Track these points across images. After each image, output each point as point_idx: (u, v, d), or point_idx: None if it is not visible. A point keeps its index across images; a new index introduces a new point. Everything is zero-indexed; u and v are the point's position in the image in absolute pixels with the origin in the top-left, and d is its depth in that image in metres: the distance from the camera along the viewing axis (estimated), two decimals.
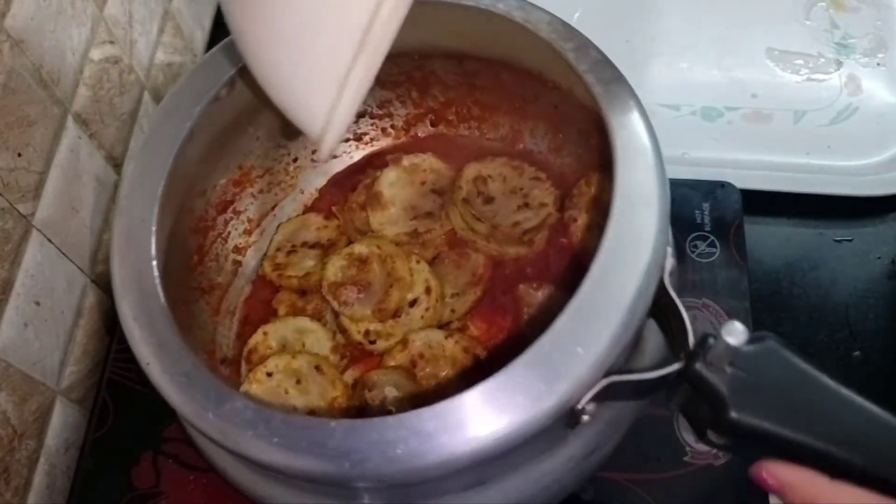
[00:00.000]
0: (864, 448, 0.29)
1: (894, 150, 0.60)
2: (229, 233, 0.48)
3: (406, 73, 0.49)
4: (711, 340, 0.30)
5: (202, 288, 0.46)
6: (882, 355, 0.52)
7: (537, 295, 0.44)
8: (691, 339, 0.31)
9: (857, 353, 0.52)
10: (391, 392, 0.40)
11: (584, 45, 0.38)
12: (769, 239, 0.56)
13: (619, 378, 0.30)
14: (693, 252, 0.52)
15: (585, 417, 0.31)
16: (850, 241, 0.56)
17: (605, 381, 0.30)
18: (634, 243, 0.31)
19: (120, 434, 0.48)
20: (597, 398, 0.30)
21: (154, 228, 0.36)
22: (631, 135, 0.35)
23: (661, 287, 0.32)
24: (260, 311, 0.47)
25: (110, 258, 0.37)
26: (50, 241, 0.45)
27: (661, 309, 0.32)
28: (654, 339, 0.37)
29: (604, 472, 0.46)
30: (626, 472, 0.46)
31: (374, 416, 0.30)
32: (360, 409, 0.41)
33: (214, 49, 0.42)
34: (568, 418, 0.30)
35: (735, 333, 0.28)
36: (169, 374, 0.33)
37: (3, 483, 0.42)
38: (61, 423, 0.47)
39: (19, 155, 0.41)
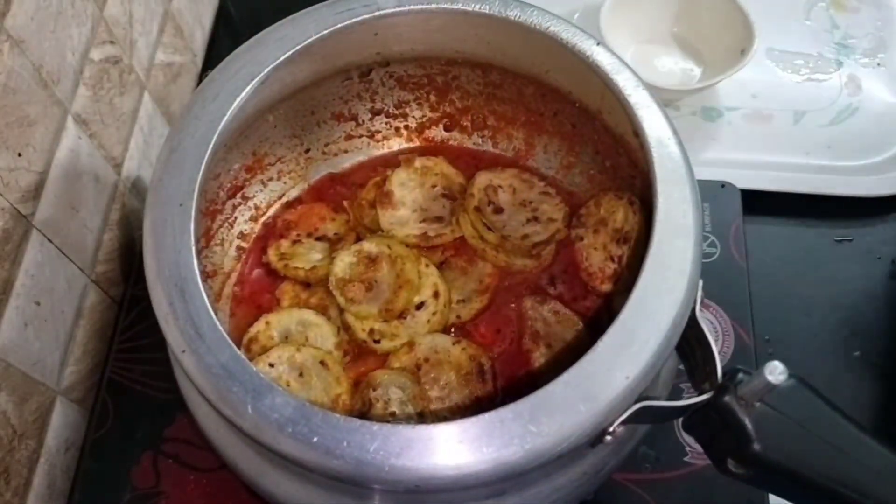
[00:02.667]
0: (878, 494, 0.30)
1: (894, 150, 0.60)
2: (236, 218, 0.48)
3: (429, 76, 0.49)
4: (742, 375, 0.31)
5: (206, 272, 0.45)
6: (882, 355, 0.52)
7: (542, 309, 0.44)
8: (720, 372, 0.32)
9: (857, 353, 0.52)
10: (395, 393, 0.40)
11: (625, 69, 0.39)
12: (769, 239, 0.56)
13: (650, 403, 0.31)
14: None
15: (608, 438, 0.31)
16: (850, 240, 0.56)
17: (636, 406, 0.31)
18: (672, 273, 0.32)
19: (120, 434, 0.48)
20: (626, 421, 0.31)
21: (193, 213, 0.35)
22: (672, 168, 0.36)
23: (692, 318, 0.33)
24: (261, 299, 0.47)
25: (143, 240, 0.35)
26: (50, 240, 0.45)
27: (686, 339, 0.33)
28: (668, 364, 0.37)
29: None
30: (627, 472, 0.46)
31: (376, 416, 0.30)
32: (361, 408, 0.41)
33: (261, 34, 0.41)
34: (595, 438, 0.31)
35: (776, 372, 0.29)
36: (206, 364, 0.32)
37: (3, 483, 0.42)
38: (61, 423, 0.47)
39: (19, 155, 0.41)
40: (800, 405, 0.31)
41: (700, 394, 0.32)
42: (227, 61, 0.40)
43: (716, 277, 0.51)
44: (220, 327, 0.32)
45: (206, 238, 0.45)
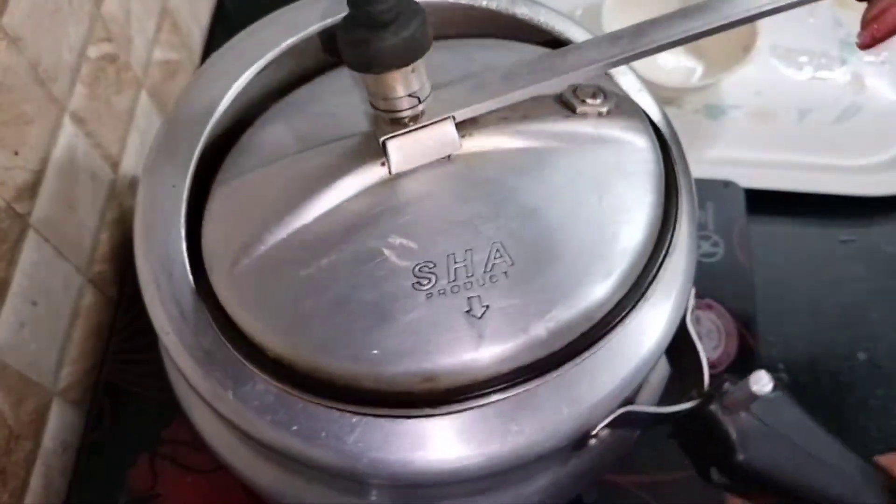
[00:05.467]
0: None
1: None
2: None
3: None
4: (728, 385, 0.31)
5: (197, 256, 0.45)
6: (887, 356, 0.51)
7: None
8: (706, 380, 0.32)
9: (861, 354, 0.51)
10: None
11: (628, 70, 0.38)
12: (773, 238, 0.56)
13: (634, 409, 0.31)
14: (697, 252, 0.51)
15: (592, 441, 0.31)
16: (854, 240, 0.56)
17: (621, 411, 0.31)
18: (662, 284, 0.32)
19: (117, 435, 0.48)
20: (610, 425, 0.31)
21: (185, 195, 0.34)
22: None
23: (683, 326, 0.33)
24: None
25: (134, 220, 0.35)
26: (47, 240, 0.44)
27: (676, 345, 0.33)
28: (658, 371, 0.38)
29: (606, 475, 0.46)
30: (629, 475, 0.46)
31: None
32: None
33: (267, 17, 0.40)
34: (577, 441, 0.31)
35: (761, 383, 0.30)
36: (188, 346, 0.31)
37: (0, 485, 0.42)
38: (58, 424, 0.47)
39: (16, 153, 0.41)
40: (784, 417, 0.31)
41: (686, 401, 0.32)
42: (228, 45, 0.39)
43: (719, 277, 0.51)
44: (206, 310, 0.32)
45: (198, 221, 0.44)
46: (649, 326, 0.31)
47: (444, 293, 0.30)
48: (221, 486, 0.45)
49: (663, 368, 0.38)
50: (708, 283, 0.51)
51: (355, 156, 0.33)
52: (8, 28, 0.39)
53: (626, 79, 0.38)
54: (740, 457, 0.30)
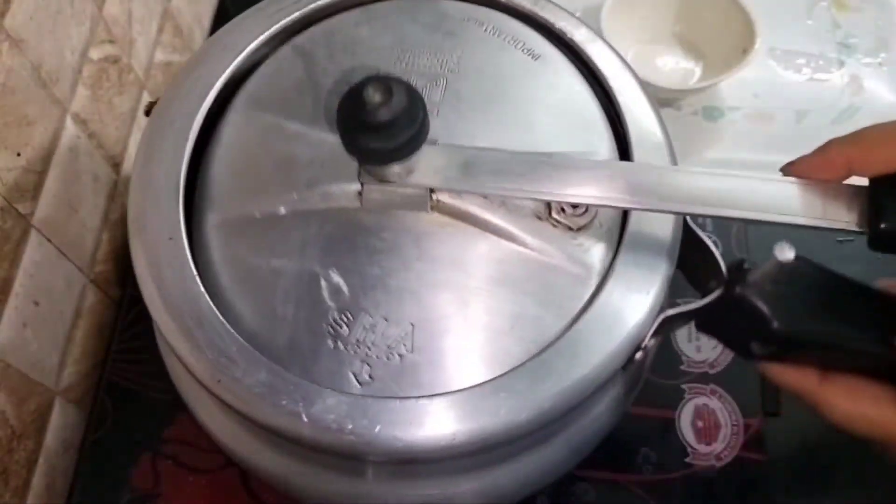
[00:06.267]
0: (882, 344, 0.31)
1: None
2: None
3: None
4: (748, 264, 0.33)
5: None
6: None
7: None
8: (724, 268, 0.34)
9: None
10: None
11: (626, 72, 0.39)
12: (772, 239, 0.56)
13: (670, 312, 0.33)
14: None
15: (638, 355, 0.33)
16: (851, 241, 0.56)
17: (661, 318, 0.33)
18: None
19: (119, 435, 0.48)
20: (655, 334, 0.33)
21: (184, 170, 0.34)
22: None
23: (686, 226, 0.35)
24: None
25: (131, 181, 0.35)
26: (49, 240, 0.45)
27: (685, 249, 0.35)
28: None
29: (605, 473, 0.46)
30: (628, 473, 0.46)
31: None
32: None
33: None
34: (631, 356, 0.33)
35: (785, 251, 0.31)
36: (246, 387, 0.30)
37: (2, 484, 0.42)
38: (60, 423, 0.47)
39: (18, 154, 0.41)
40: (808, 278, 0.32)
41: (708, 293, 0.34)
42: (226, 28, 0.39)
43: None
44: (198, 282, 0.32)
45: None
46: (662, 235, 0.34)
47: (346, 346, 0.31)
48: (223, 486, 0.45)
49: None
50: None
51: (342, 169, 0.34)
52: (10, 30, 0.39)
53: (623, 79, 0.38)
54: (775, 325, 0.31)
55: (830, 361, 0.33)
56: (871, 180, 0.31)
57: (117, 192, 0.53)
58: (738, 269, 0.33)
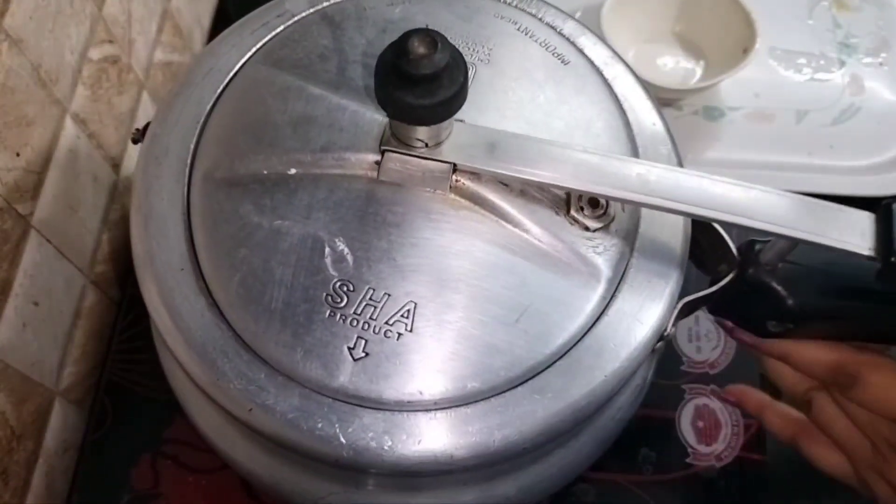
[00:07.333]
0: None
1: None
2: None
3: None
4: (759, 245, 0.33)
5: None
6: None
7: None
8: (734, 250, 0.34)
9: None
10: None
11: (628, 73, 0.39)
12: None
13: (689, 298, 0.33)
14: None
15: (659, 344, 0.33)
16: None
17: (680, 304, 0.33)
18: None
19: (119, 435, 0.48)
20: (677, 319, 0.33)
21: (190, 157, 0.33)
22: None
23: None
24: None
25: (131, 214, 0.33)
26: (48, 241, 0.45)
27: (693, 235, 0.35)
28: None
29: (605, 474, 0.46)
30: (628, 473, 0.46)
31: None
32: None
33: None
34: (657, 342, 0.33)
35: None
36: (280, 413, 0.29)
37: (2, 484, 0.42)
38: (60, 424, 0.47)
39: (18, 155, 0.41)
40: (818, 254, 0.32)
41: (718, 276, 0.34)
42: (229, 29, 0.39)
43: None
44: (198, 276, 0.31)
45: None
46: (675, 225, 0.34)
47: (344, 319, 0.30)
48: (223, 486, 0.45)
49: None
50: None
51: (361, 137, 0.32)
52: (10, 30, 0.39)
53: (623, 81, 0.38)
54: (790, 302, 0.32)
55: (846, 332, 0.34)
56: (884, 205, 0.31)
57: (117, 192, 0.53)
58: (749, 250, 0.33)
